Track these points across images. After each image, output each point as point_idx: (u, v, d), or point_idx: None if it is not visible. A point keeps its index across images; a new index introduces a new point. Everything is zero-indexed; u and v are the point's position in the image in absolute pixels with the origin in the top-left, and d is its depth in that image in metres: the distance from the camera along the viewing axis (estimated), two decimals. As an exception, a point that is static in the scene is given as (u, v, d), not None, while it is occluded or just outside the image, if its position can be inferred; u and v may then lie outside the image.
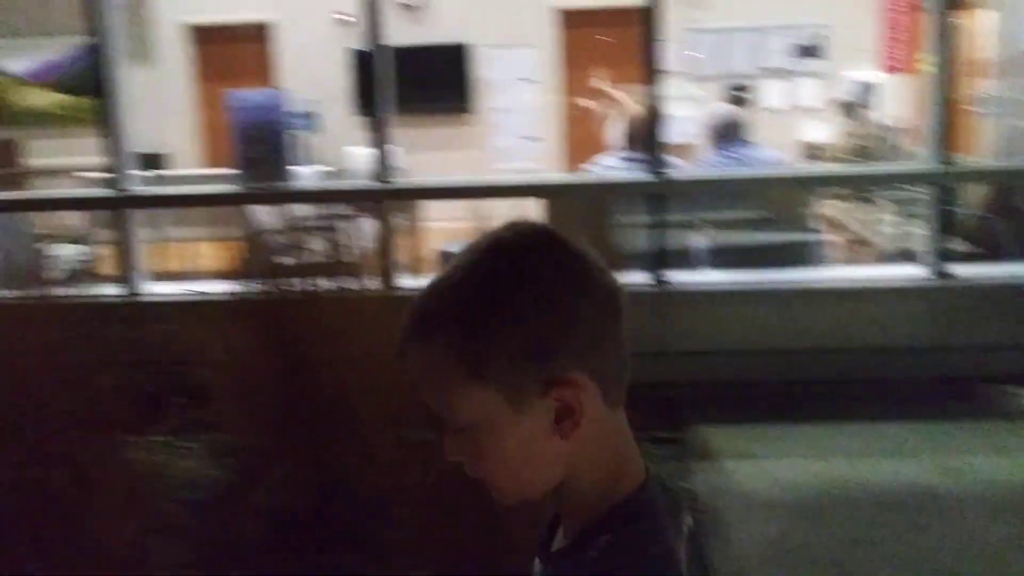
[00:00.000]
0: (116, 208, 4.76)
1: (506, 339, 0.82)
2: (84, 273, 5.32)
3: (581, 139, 9.78)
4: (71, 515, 2.67)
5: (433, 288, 0.88)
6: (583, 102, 9.22)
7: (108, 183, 4.76)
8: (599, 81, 8.52)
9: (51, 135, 10.18)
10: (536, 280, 0.84)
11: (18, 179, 8.71)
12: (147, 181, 5.02)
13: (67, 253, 5.54)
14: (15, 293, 3.36)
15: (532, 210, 4.57)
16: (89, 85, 10.61)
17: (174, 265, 6.48)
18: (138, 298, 4.64)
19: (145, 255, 4.91)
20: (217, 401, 3.36)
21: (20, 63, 10.69)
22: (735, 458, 3.83)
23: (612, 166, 4.91)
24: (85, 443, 2.93)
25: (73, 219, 6.18)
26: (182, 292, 4.40)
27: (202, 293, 3.87)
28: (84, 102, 10.24)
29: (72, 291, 3.50)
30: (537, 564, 0.94)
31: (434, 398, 0.87)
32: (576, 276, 0.86)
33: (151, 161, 6.71)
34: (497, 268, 0.85)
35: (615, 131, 5.13)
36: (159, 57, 10.01)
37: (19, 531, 2.64)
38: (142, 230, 4.90)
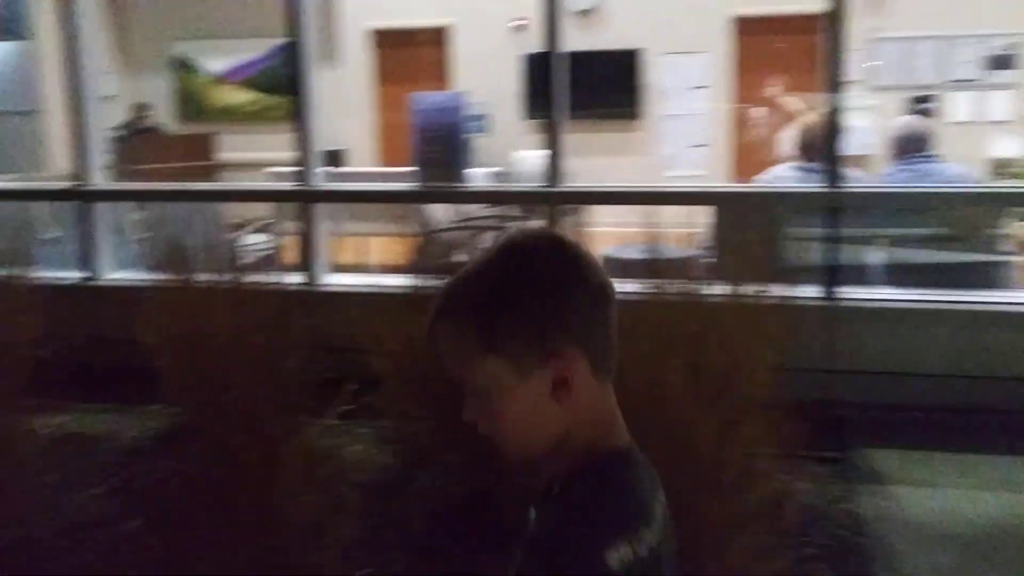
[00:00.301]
0: (301, 201, 5.04)
1: (514, 320, 1.02)
2: (269, 261, 5.67)
3: (751, 148, 9.59)
4: (258, 489, 2.86)
5: (458, 278, 1.09)
6: (757, 110, 9.04)
7: (295, 177, 5.05)
8: (775, 89, 8.33)
9: (244, 130, 10.86)
10: (540, 275, 1.05)
11: (213, 171, 9.32)
12: (329, 177, 5.29)
13: (254, 242, 5.90)
14: (208, 278, 3.61)
15: (700, 217, 4.54)
16: (281, 84, 11.23)
17: (350, 258, 6.79)
18: (318, 287, 4.90)
19: (325, 247, 5.17)
20: (388, 389, 3.51)
21: (219, 63, 11.43)
22: (904, 484, 3.68)
23: (784, 176, 4.81)
24: (271, 422, 3.13)
25: (261, 210, 6.57)
26: (359, 283, 4.62)
27: (378, 285, 4.05)
28: (275, 100, 10.87)
29: (258, 278, 3.72)
30: (532, 511, 1.09)
31: (456, 367, 1.06)
32: (572, 272, 1.06)
33: (333, 157, 7.06)
34: (509, 264, 1.06)
35: (789, 140, 5.01)
36: (344, 59, 10.48)
37: (213, 501, 2.84)
38: (323, 223, 5.17)
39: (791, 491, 3.16)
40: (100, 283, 5.35)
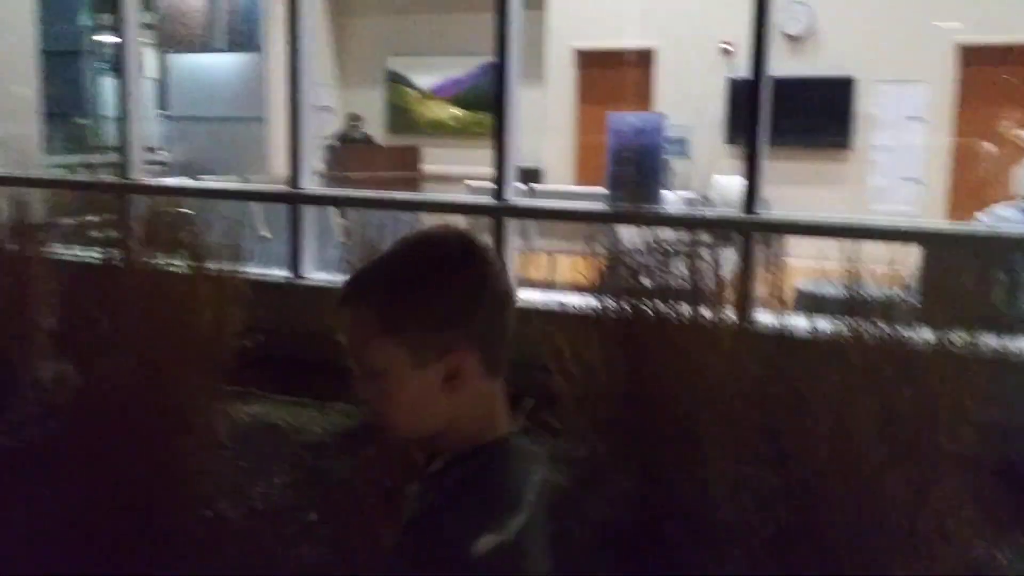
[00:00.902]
0: (496, 216, 5.12)
1: (417, 311, 1.08)
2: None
3: (971, 185, 8.94)
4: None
5: (372, 263, 1.16)
6: (980, 144, 8.44)
7: (491, 192, 5.15)
8: (1002, 123, 7.75)
9: (447, 145, 11.23)
10: (448, 273, 1.11)
11: (416, 182, 9.68)
12: (524, 193, 5.35)
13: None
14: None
15: (907, 256, 4.25)
16: (485, 101, 11.52)
17: (537, 274, 6.86)
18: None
19: (514, 262, 5.23)
20: (565, 408, 3.49)
21: (429, 79, 11.88)
22: None
23: (1008, 216, 4.44)
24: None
25: (458, 222, 6.75)
26: (544, 300, 4.63)
27: (563, 303, 4.04)
28: (479, 116, 11.17)
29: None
30: (413, 486, 1.17)
31: (356, 347, 1.11)
32: (479, 274, 1.11)
33: (528, 175, 7.16)
34: (420, 258, 1.13)
35: (1016, 178, 4.63)
36: (548, 79, 10.63)
37: (384, 501, 2.91)
38: (514, 238, 5.23)
39: (989, 561, 2.90)
40: (303, 282, 5.64)
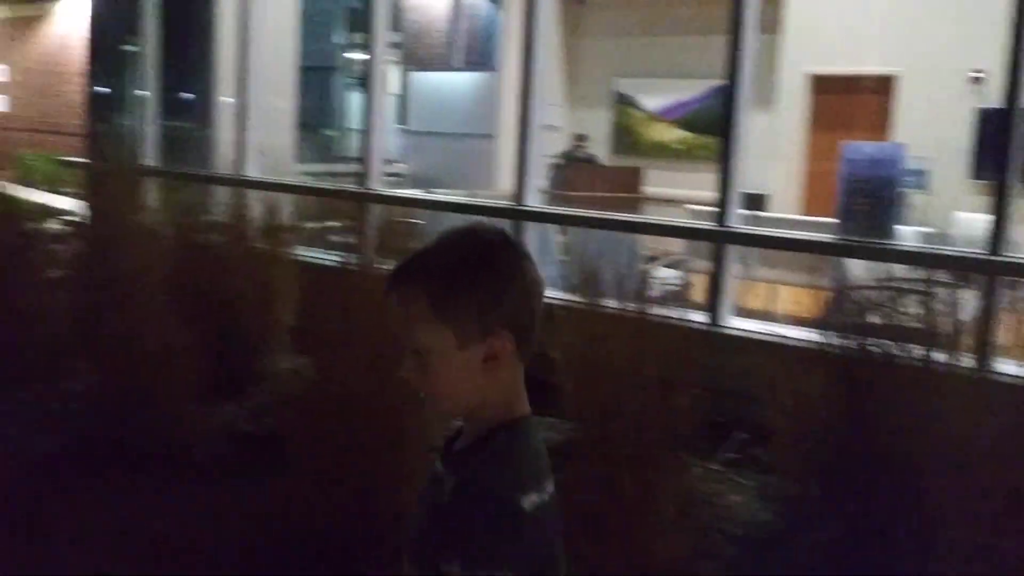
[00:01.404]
0: (716, 241, 5.04)
1: (465, 299, 1.21)
2: (676, 297, 5.74)
3: None
4: (632, 518, 2.91)
5: (424, 250, 1.27)
6: None
7: (713, 217, 5.07)
8: None
9: (671, 167, 11.16)
10: (491, 264, 1.24)
11: (637, 203, 9.69)
12: (746, 220, 5.23)
13: (664, 276, 6.02)
14: (616, 304, 3.73)
15: None
16: (712, 124, 11.36)
17: (757, 303, 6.67)
18: (720, 329, 4.87)
19: (732, 289, 5.12)
20: (777, 444, 3.38)
21: (656, 101, 11.86)
22: None
23: None
24: (655, 455, 3.16)
25: (675, 245, 6.69)
26: (762, 331, 4.51)
27: (782, 336, 3.92)
28: (704, 140, 11.04)
29: (663, 312, 3.76)
30: (438, 463, 1.29)
31: (405, 326, 1.23)
32: (517, 267, 1.25)
33: (752, 201, 6.99)
34: (468, 251, 1.26)
35: None
36: (778, 103, 10.34)
37: (586, 521, 2.93)
38: (734, 265, 5.12)
39: None
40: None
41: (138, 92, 8.53)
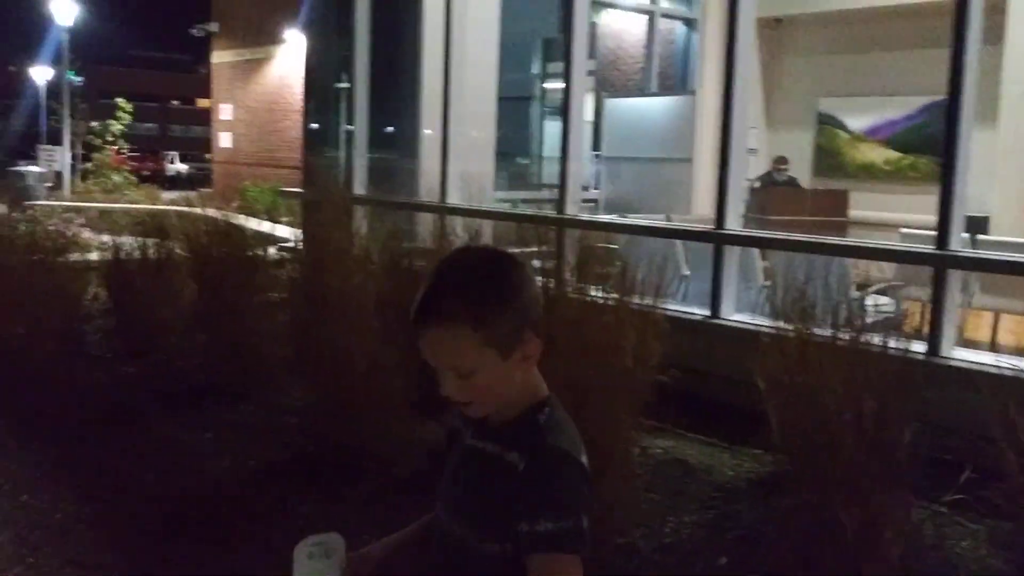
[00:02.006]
0: (938, 266, 4.72)
1: (504, 319, 1.33)
2: (891, 325, 5.42)
3: None
4: (852, 557, 2.74)
5: (443, 283, 1.36)
6: None
7: (932, 240, 4.76)
8: None
9: (878, 189, 10.61)
10: (513, 282, 1.37)
11: (843, 227, 9.26)
12: (966, 243, 4.87)
13: (877, 303, 5.70)
14: (827, 333, 3.56)
15: None
16: (921, 143, 10.72)
17: (977, 333, 6.20)
18: (942, 360, 4.54)
19: (955, 318, 4.78)
20: (1012, 487, 3.11)
21: (862, 121, 11.33)
22: None
23: None
24: (870, 491, 2.97)
25: (887, 271, 6.33)
26: (991, 363, 4.17)
27: (1015, 368, 3.61)
28: (915, 159, 10.44)
29: (878, 340, 3.55)
30: (473, 440, 1.46)
31: (449, 360, 1.34)
32: (527, 277, 1.40)
33: (973, 223, 6.51)
34: (487, 272, 1.37)
35: None
36: (1001, 119, 9.62)
37: (799, 558, 2.79)
38: (956, 292, 4.78)
39: None
40: (721, 322, 5.64)
41: (348, 127, 9.01)
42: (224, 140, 22.42)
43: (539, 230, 7.32)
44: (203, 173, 35.85)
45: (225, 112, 22.24)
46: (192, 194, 22.52)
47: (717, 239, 5.76)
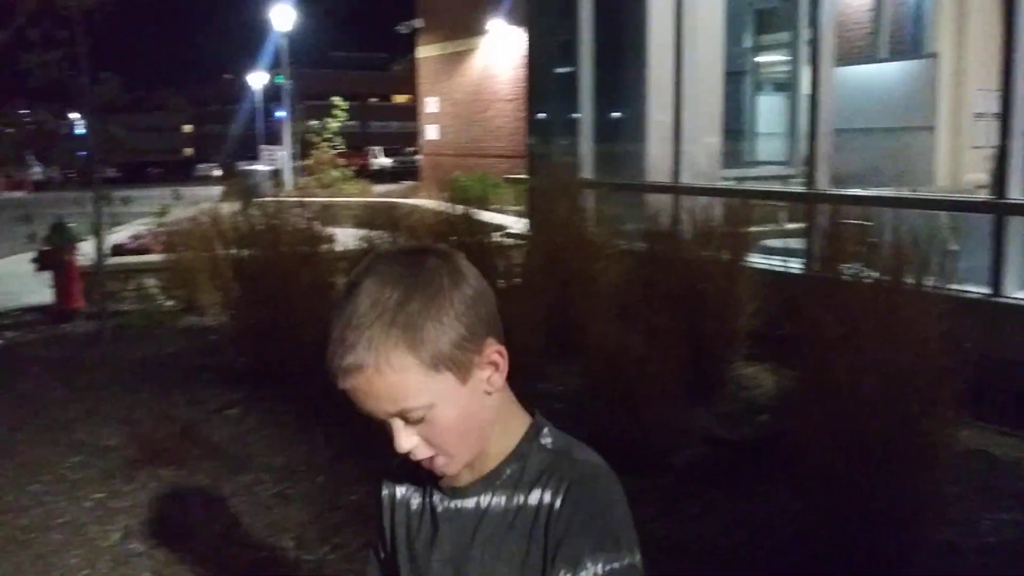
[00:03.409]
0: None
1: (449, 333, 1.03)
2: None
3: None
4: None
5: (358, 310, 1.02)
6: None
7: None
8: None
9: None
10: (444, 278, 1.05)
11: None
12: None
13: None
14: None
15: None
16: None
17: None
18: None
19: None
20: None
21: None
22: None
23: None
24: None
25: None
26: None
27: None
28: None
29: None
30: (478, 496, 1.12)
31: (392, 402, 1.02)
32: (461, 268, 1.07)
33: None
34: (410, 278, 1.03)
35: None
36: None
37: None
38: None
39: None
40: (1005, 300, 5.18)
41: (572, 113, 8.97)
42: (431, 132, 23.08)
43: (767, 209, 7.05)
44: (405, 167, 37.18)
45: (431, 105, 22.88)
46: (404, 186, 23.39)
47: (1000, 209, 5.28)
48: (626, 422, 4.06)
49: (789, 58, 10.91)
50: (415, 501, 1.19)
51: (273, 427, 4.93)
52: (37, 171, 32.16)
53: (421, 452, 1.06)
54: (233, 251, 6.41)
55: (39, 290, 8.06)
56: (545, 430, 1.13)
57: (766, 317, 5.41)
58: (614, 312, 4.95)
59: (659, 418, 4.16)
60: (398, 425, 1.04)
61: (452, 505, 1.13)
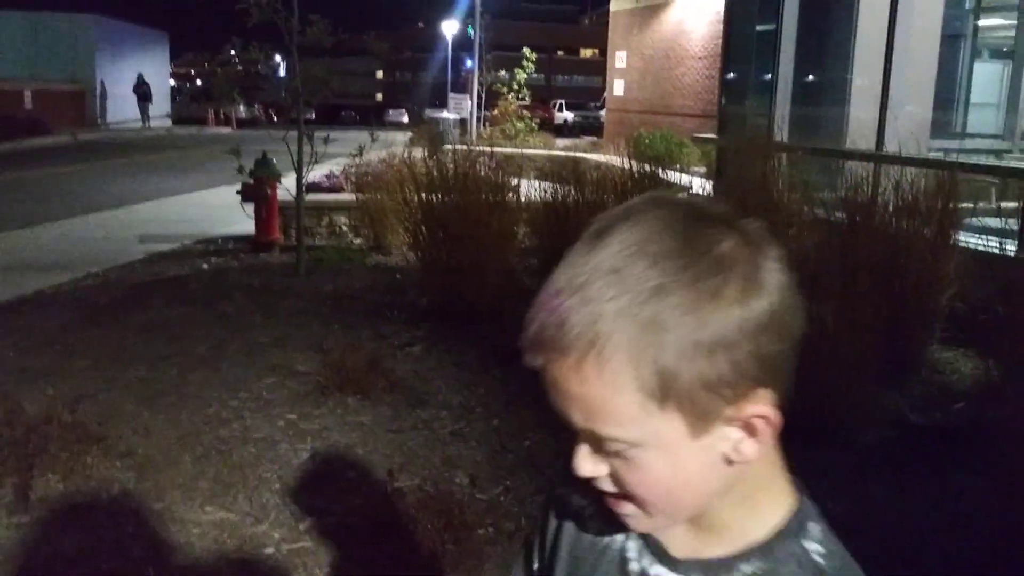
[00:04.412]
0: None
1: (702, 363, 0.68)
2: None
3: None
4: None
5: (601, 276, 0.69)
6: None
7: None
8: None
9: None
10: (732, 271, 0.69)
11: None
12: None
13: None
14: None
15: None
16: None
17: None
18: None
19: None
20: None
21: None
22: None
23: None
24: None
25: None
26: None
27: None
28: None
29: None
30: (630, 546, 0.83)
31: (585, 414, 0.72)
32: (769, 264, 0.71)
33: None
34: (704, 269, 0.68)
35: None
36: None
37: None
38: None
39: None
40: None
41: (770, 75, 8.64)
42: (618, 88, 22.83)
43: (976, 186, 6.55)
44: (588, 121, 37.02)
45: (620, 60, 22.60)
46: (586, 141, 23.32)
47: None
48: (813, 398, 3.92)
49: (1014, 22, 10.08)
50: (594, 541, 0.87)
51: (452, 367, 5.06)
52: (242, 110, 34.10)
53: (605, 485, 0.77)
54: (423, 195, 6.59)
55: (242, 220, 8.56)
56: (811, 526, 0.78)
57: (970, 300, 5.08)
58: (806, 283, 4.77)
59: (847, 396, 3.99)
60: (585, 446, 0.75)
61: (651, 571, 0.82)
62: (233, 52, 7.68)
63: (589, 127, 34.68)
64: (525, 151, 18.30)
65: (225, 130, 30.57)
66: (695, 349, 0.67)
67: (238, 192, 8.51)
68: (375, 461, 3.85)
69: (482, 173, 6.73)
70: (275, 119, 9.63)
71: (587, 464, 0.75)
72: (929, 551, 3.17)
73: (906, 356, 4.83)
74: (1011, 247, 5.37)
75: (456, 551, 3.12)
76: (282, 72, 9.92)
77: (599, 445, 0.73)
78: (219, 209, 10.54)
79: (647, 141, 17.02)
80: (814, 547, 0.77)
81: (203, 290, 6.86)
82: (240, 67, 8.02)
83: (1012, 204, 6.39)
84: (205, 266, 7.83)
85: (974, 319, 4.73)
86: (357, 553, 3.17)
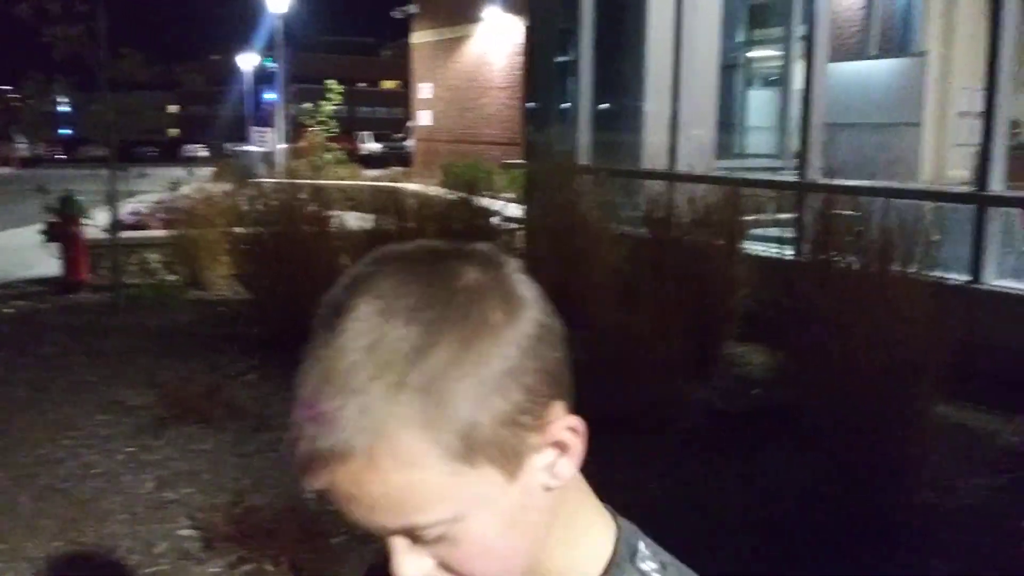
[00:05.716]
0: None
1: (496, 401, 0.62)
2: None
3: None
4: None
5: (352, 365, 0.60)
6: None
7: None
8: None
9: None
10: (513, 312, 0.64)
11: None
12: None
13: None
14: None
15: None
16: None
17: None
18: None
19: None
20: None
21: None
22: None
23: None
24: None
25: None
26: None
27: None
28: None
29: None
30: None
31: (394, 514, 0.61)
32: (530, 296, 0.66)
33: None
34: (456, 308, 0.62)
35: None
36: None
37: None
38: None
39: None
40: (983, 287, 5.48)
41: (570, 103, 9.22)
42: (424, 118, 23.25)
43: (756, 200, 7.31)
44: (394, 152, 37.28)
45: (425, 91, 23.04)
46: (393, 171, 23.54)
47: (980, 201, 5.58)
48: (628, 392, 4.33)
49: (781, 53, 11.18)
50: None
51: (288, 391, 5.13)
52: (23, 147, 32.07)
53: None
54: (240, 228, 6.63)
55: (43, 262, 8.23)
56: (640, 546, 0.74)
57: (757, 300, 5.69)
58: (617, 291, 5.22)
59: (661, 390, 4.43)
60: (401, 545, 0.64)
61: None
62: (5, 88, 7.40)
63: (395, 157, 34.95)
64: (334, 183, 18.35)
65: (5, 170, 28.65)
66: (485, 389, 0.61)
67: (42, 232, 8.18)
68: (224, 484, 3.92)
69: (295, 204, 6.87)
70: (64, 157, 9.25)
71: (410, 564, 0.64)
72: (741, 518, 3.60)
73: (709, 352, 5.36)
74: (789, 252, 6.04)
75: (314, 558, 3.27)
76: (68, 108, 9.59)
77: (416, 538, 0.63)
78: (14, 252, 10.01)
79: (457, 170, 17.48)
80: (649, 566, 0.72)
81: (14, 333, 6.60)
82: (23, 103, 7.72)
83: (788, 215, 7.15)
84: (11, 310, 7.48)
85: (763, 317, 5.32)
86: (217, 569, 3.26)
